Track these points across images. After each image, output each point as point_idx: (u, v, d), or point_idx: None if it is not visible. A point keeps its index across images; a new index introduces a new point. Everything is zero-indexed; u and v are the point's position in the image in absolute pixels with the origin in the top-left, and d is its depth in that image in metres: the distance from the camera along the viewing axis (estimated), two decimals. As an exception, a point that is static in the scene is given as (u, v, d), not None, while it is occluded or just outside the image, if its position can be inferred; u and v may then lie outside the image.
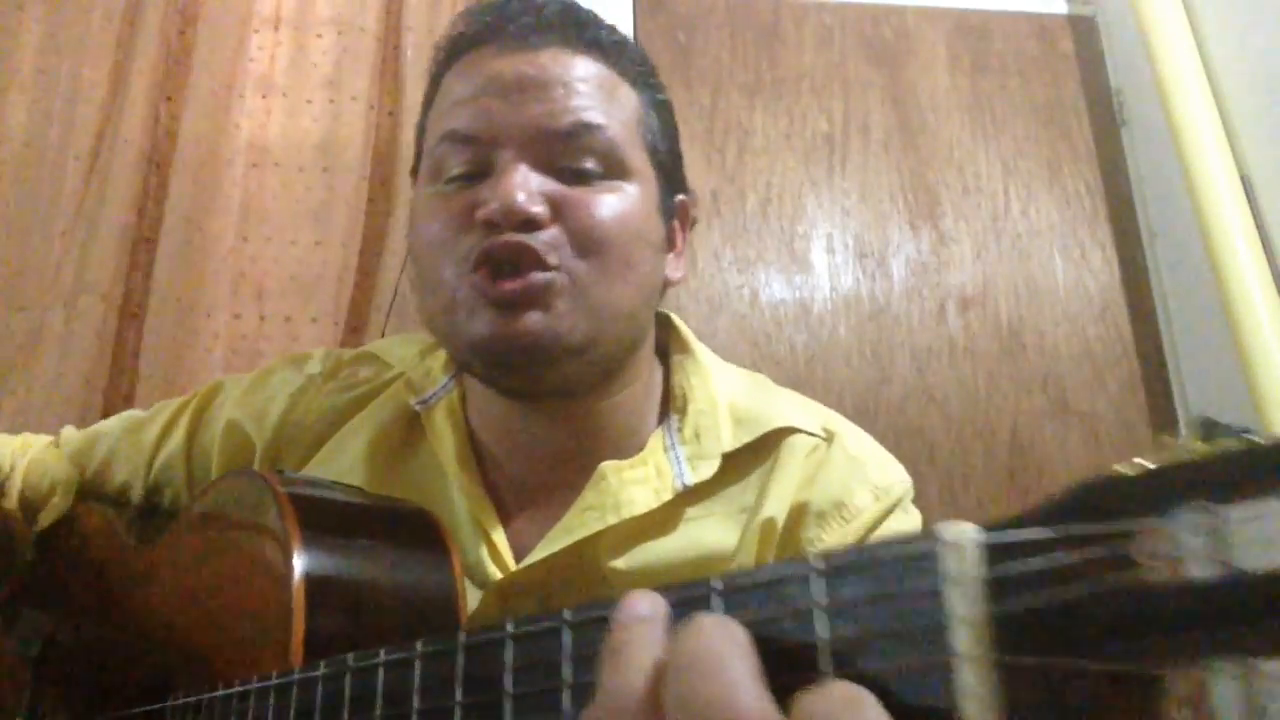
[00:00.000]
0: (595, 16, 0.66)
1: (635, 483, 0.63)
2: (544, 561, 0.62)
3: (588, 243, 0.59)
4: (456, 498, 0.65)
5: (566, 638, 0.33)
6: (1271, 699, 0.21)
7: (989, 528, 0.25)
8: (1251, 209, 1.59)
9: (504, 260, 0.58)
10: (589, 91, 0.61)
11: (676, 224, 0.69)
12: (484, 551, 0.63)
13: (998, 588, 0.24)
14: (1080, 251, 1.87)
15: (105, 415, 1.46)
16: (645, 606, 0.29)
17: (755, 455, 0.66)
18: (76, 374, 1.45)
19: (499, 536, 0.64)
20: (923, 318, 1.80)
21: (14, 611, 0.75)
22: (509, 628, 0.35)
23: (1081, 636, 0.23)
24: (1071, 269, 1.85)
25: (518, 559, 0.63)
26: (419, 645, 0.39)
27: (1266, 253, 1.55)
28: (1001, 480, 1.70)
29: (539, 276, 0.58)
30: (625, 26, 1.87)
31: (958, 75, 1.96)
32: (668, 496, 0.63)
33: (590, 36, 0.63)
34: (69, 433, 0.81)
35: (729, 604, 0.29)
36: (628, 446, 0.66)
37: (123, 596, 0.67)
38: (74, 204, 1.57)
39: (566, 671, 0.32)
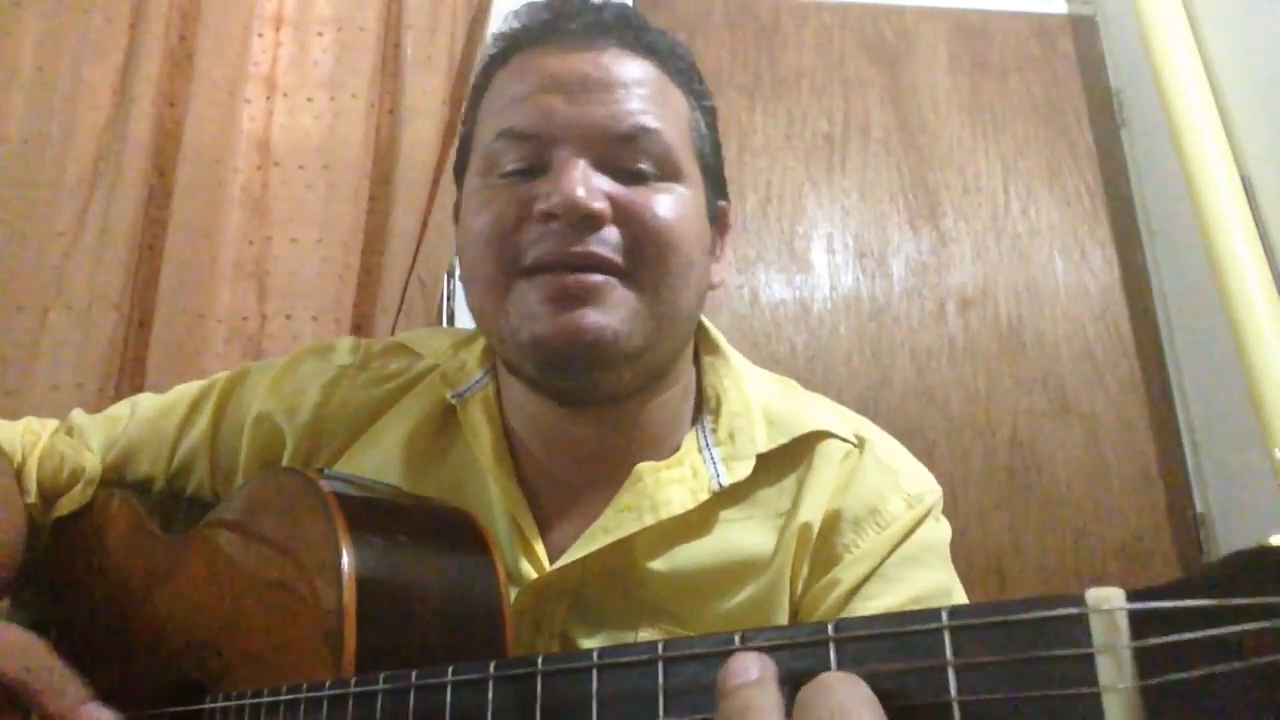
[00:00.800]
0: (647, 21, 0.66)
1: (672, 483, 0.63)
2: (580, 561, 0.61)
3: (649, 245, 0.58)
4: (493, 495, 0.65)
5: (659, 673, 0.32)
6: None
7: (1137, 595, 0.24)
8: (1251, 209, 1.59)
9: (568, 263, 0.57)
10: (647, 95, 0.61)
11: (716, 229, 0.69)
12: (519, 551, 0.63)
13: (1148, 659, 0.23)
14: (1080, 251, 1.87)
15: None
16: (755, 670, 0.29)
17: (789, 458, 0.66)
18: (89, 380, 1.45)
19: (535, 536, 0.63)
20: (923, 318, 1.80)
21: (24, 596, 0.74)
22: (595, 658, 0.34)
23: (1234, 712, 0.22)
24: (1071, 269, 1.85)
25: (553, 559, 0.63)
26: (492, 667, 0.37)
27: (1266, 253, 1.56)
28: (1001, 480, 1.70)
29: (601, 278, 0.57)
30: (625, 26, 1.87)
31: (958, 75, 1.96)
32: (704, 497, 0.63)
33: (647, 40, 0.64)
34: (79, 418, 0.78)
35: (841, 656, 0.28)
36: (663, 447, 0.66)
37: (146, 587, 0.65)
38: (74, 204, 1.57)
39: (660, 705, 0.31)
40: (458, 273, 0.70)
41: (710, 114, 0.68)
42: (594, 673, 0.33)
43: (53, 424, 0.78)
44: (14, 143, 1.60)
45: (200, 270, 1.58)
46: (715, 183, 0.68)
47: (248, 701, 0.49)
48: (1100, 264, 1.87)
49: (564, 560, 0.61)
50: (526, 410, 0.66)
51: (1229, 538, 1.68)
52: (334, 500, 0.52)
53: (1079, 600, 0.25)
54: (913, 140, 1.91)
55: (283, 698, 0.47)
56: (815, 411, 0.68)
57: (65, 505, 0.72)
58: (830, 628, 0.28)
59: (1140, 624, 0.23)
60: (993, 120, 1.94)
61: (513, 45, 0.65)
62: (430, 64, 1.71)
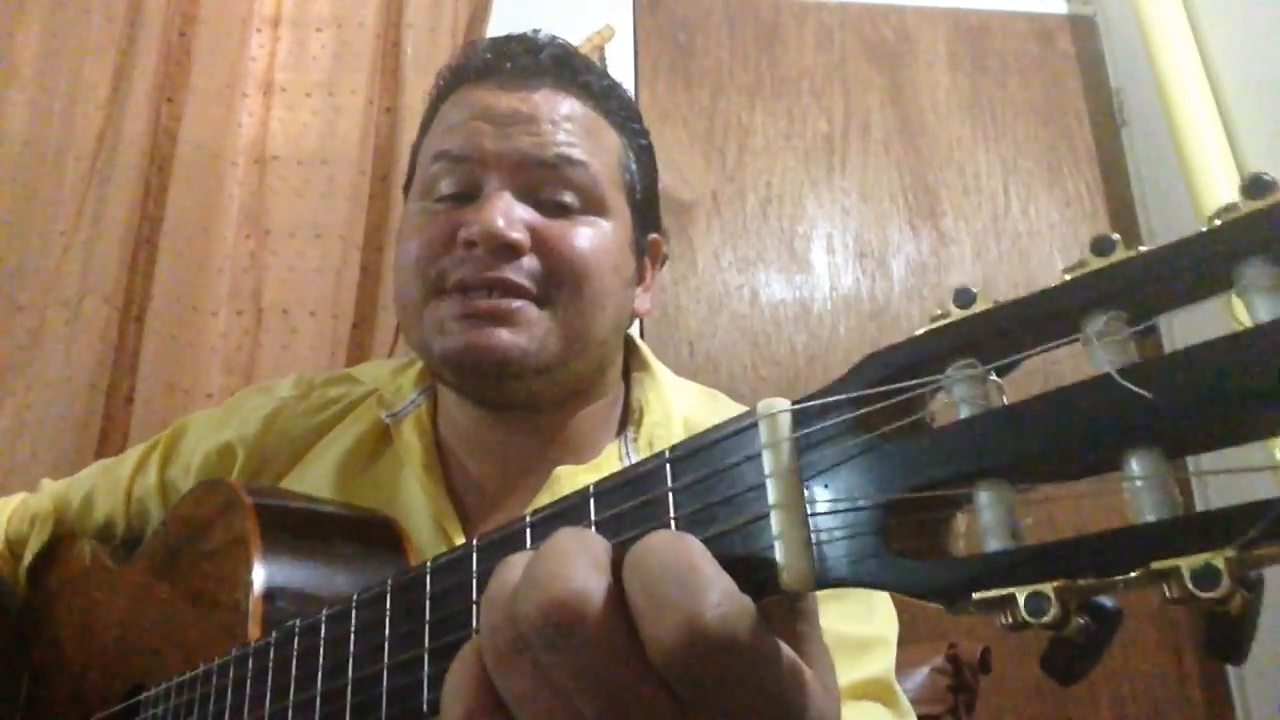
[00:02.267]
0: (589, 62, 0.71)
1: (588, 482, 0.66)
2: None
3: (563, 273, 0.62)
4: (420, 501, 0.67)
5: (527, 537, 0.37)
6: (1024, 520, 0.26)
7: (798, 400, 0.30)
8: (1251, 209, 1.59)
9: (484, 286, 0.61)
10: (574, 130, 0.66)
11: (648, 260, 0.73)
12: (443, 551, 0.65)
13: (805, 446, 0.29)
14: (1080, 251, 1.87)
15: (107, 415, 1.47)
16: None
17: None
18: (80, 375, 1.45)
19: (459, 539, 0.65)
20: (923, 318, 1.78)
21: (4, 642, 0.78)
22: (428, 565, 0.39)
23: (874, 476, 0.28)
24: (1071, 269, 1.85)
25: None
26: (355, 596, 0.43)
27: (1266, 253, 1.55)
28: (1001, 480, 1.70)
29: (513, 303, 0.61)
30: (625, 27, 1.87)
31: (958, 75, 1.96)
32: None
33: (581, 81, 0.68)
34: (46, 483, 0.84)
35: (599, 504, 0.34)
36: (586, 456, 0.69)
37: (102, 611, 0.70)
38: (74, 204, 1.57)
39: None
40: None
41: (645, 152, 0.72)
42: (473, 556, 0.37)
43: (21, 495, 0.84)
44: (14, 142, 1.61)
45: (196, 266, 1.59)
46: (645, 217, 0.72)
47: (169, 685, 0.55)
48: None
49: None
50: (459, 420, 0.70)
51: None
52: (250, 506, 0.57)
53: (753, 411, 0.31)
54: (913, 140, 1.91)
55: (197, 672, 0.52)
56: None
57: (29, 552, 0.78)
58: (592, 486, 0.34)
59: (801, 421, 0.30)
60: (993, 120, 1.94)
61: (457, 80, 0.70)
62: (430, 62, 1.71)
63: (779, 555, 0.28)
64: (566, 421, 0.68)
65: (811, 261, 1.82)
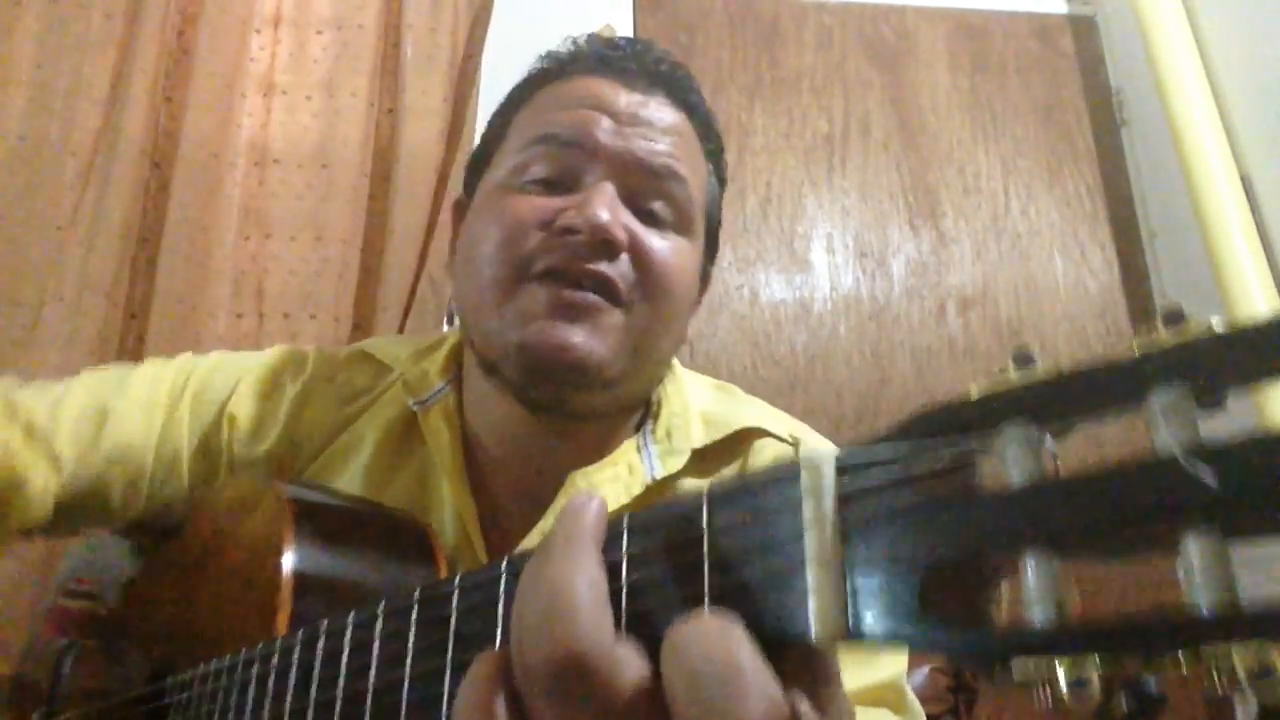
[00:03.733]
0: (695, 84, 0.70)
1: (605, 482, 0.65)
2: None
3: (652, 284, 0.61)
4: (445, 495, 0.67)
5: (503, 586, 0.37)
6: (1071, 593, 0.25)
7: (844, 450, 0.30)
8: (1251, 209, 1.59)
9: (577, 276, 0.59)
10: (681, 146, 0.65)
11: (703, 281, 0.73)
12: (463, 555, 0.65)
13: (847, 498, 0.29)
14: (1080, 251, 1.87)
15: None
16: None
17: (724, 455, 0.68)
18: (79, 371, 1.45)
19: (478, 539, 0.65)
20: (923, 318, 1.80)
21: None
22: (503, 566, 0.38)
23: (917, 536, 0.27)
24: (1071, 269, 1.85)
25: None
26: (381, 605, 0.43)
27: (1266, 253, 1.56)
28: (1001, 480, 1.70)
29: (600, 300, 0.59)
30: (625, 27, 1.87)
31: (958, 75, 1.96)
32: (638, 491, 0.65)
33: (691, 101, 0.68)
34: (37, 415, 0.71)
35: (632, 537, 0.33)
36: (605, 453, 0.68)
37: (140, 594, 0.70)
38: (71, 201, 1.57)
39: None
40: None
41: (723, 186, 0.72)
42: (502, 576, 0.37)
43: None
44: (13, 140, 1.61)
45: (196, 265, 1.59)
46: (711, 246, 0.72)
47: (193, 674, 0.55)
48: (1100, 264, 1.87)
49: None
50: (491, 414, 0.68)
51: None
52: (289, 504, 0.56)
53: (796, 456, 0.30)
54: (913, 140, 1.91)
55: (224, 664, 0.52)
56: (751, 412, 0.72)
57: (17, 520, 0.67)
58: (629, 518, 0.34)
59: (846, 471, 0.29)
60: (993, 120, 1.94)
61: (566, 67, 0.68)
62: (430, 63, 1.71)
63: (812, 608, 0.28)
64: (604, 431, 0.67)
65: (811, 261, 1.82)
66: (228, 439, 0.72)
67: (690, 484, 0.67)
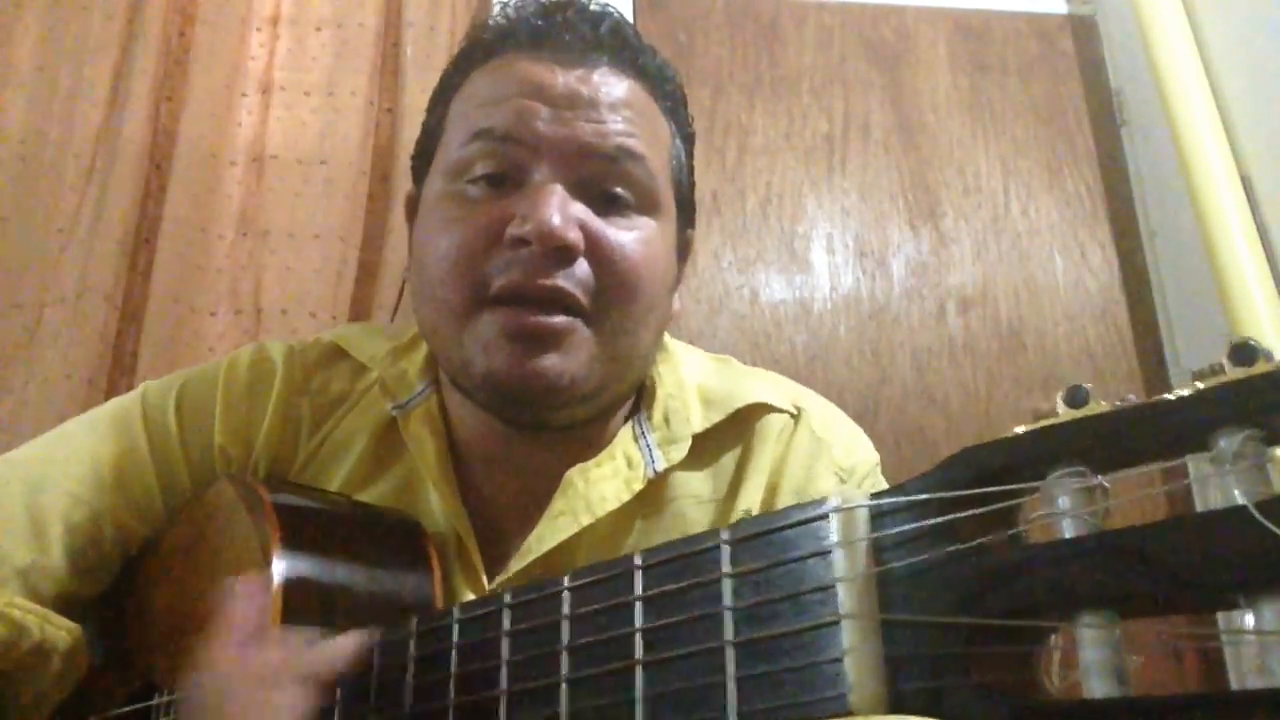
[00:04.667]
0: (641, 40, 0.64)
1: (604, 479, 0.62)
2: (518, 576, 0.59)
3: (616, 287, 0.57)
4: (434, 505, 0.63)
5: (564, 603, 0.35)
6: (1130, 659, 0.22)
7: (878, 494, 0.27)
8: (1251, 209, 1.59)
9: (535, 300, 0.55)
10: (633, 118, 0.60)
11: (680, 259, 0.68)
12: (459, 567, 0.61)
13: (883, 549, 0.26)
14: (1080, 251, 1.87)
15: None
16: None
17: (727, 436, 0.65)
18: (79, 373, 1.45)
19: (474, 551, 0.62)
20: (923, 318, 1.80)
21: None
22: (507, 599, 0.37)
23: (961, 593, 0.24)
24: (1071, 269, 1.85)
25: (494, 573, 0.61)
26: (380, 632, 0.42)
27: (1266, 253, 1.55)
28: (1001, 480, 1.70)
29: (565, 320, 0.56)
30: (625, 26, 1.87)
31: (958, 75, 1.96)
32: (639, 486, 0.62)
33: (640, 61, 0.62)
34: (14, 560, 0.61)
35: (646, 578, 0.31)
36: (600, 447, 0.65)
37: (125, 603, 0.68)
38: (72, 202, 1.57)
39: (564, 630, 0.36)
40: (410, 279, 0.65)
41: (690, 142, 0.67)
42: (504, 612, 0.36)
43: None
44: (13, 142, 1.60)
45: (194, 266, 1.58)
46: (687, 209, 0.67)
47: (181, 695, 0.53)
48: (1100, 264, 1.86)
49: (501, 577, 0.60)
50: (473, 427, 0.65)
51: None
52: (271, 507, 0.54)
53: (824, 501, 0.28)
54: (913, 140, 1.91)
55: None
56: (751, 386, 0.67)
57: (56, 691, 0.61)
58: (638, 557, 0.32)
59: (880, 519, 0.26)
60: (993, 120, 1.93)
61: (497, 44, 0.62)
62: (430, 62, 1.71)
63: (849, 672, 0.25)
64: (592, 430, 0.64)
65: (811, 261, 1.82)
66: (222, 469, 0.67)
67: (694, 476, 0.64)
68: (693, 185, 0.68)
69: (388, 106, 1.73)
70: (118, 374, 1.50)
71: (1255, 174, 1.63)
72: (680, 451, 0.63)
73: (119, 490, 0.65)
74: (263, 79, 1.72)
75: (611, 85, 0.60)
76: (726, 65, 1.92)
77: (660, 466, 0.62)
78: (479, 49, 0.63)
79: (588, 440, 0.64)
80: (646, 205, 0.60)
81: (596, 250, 0.57)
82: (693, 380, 0.67)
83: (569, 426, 0.62)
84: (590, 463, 0.62)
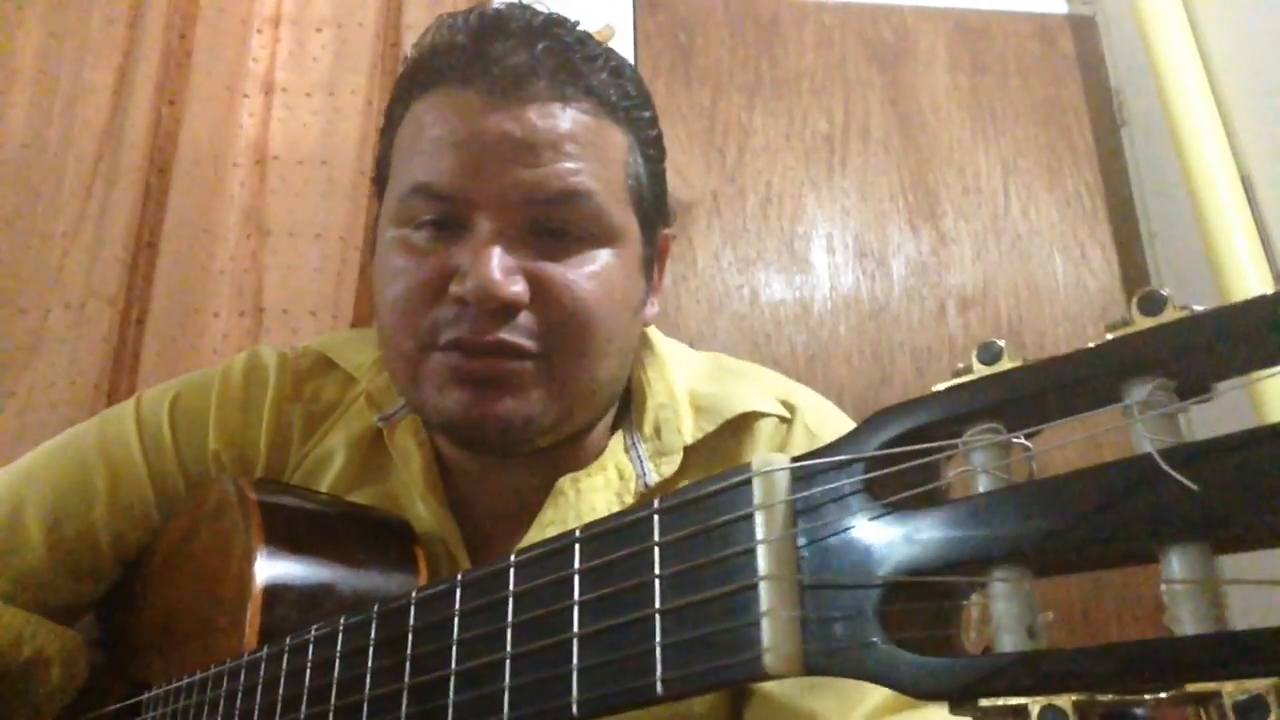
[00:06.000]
0: (585, 48, 0.60)
1: (595, 490, 0.62)
2: None
3: (565, 327, 0.57)
4: (422, 515, 0.64)
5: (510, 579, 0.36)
6: (1043, 615, 0.22)
7: (798, 456, 0.27)
8: (1251, 209, 1.59)
9: (482, 349, 0.56)
10: (577, 151, 0.57)
11: (657, 263, 0.67)
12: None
13: (802, 512, 0.26)
14: (1080, 251, 1.87)
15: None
16: None
17: (718, 443, 0.65)
18: (84, 377, 1.45)
19: (463, 563, 0.62)
20: (923, 318, 1.80)
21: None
22: (458, 578, 0.37)
23: (878, 552, 0.24)
24: (1071, 269, 1.85)
25: None
26: (342, 620, 0.42)
27: (1266, 253, 1.56)
28: (1001, 480, 1.70)
29: (513, 364, 0.56)
30: (625, 27, 1.87)
31: (958, 75, 1.96)
32: (630, 499, 0.62)
33: (584, 79, 0.58)
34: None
35: (584, 550, 0.32)
36: (591, 456, 0.65)
37: (115, 602, 0.69)
38: (75, 206, 1.57)
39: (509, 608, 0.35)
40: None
41: (653, 144, 0.64)
42: (457, 592, 0.36)
43: None
44: (15, 145, 1.60)
45: (197, 267, 1.59)
46: (654, 221, 0.64)
47: (170, 688, 0.54)
48: (1100, 264, 1.86)
49: None
50: (453, 448, 0.65)
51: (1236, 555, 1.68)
52: (255, 506, 0.55)
53: (748, 466, 0.28)
54: (913, 140, 1.91)
55: (195, 678, 0.52)
56: (741, 391, 0.66)
57: (61, 699, 0.62)
58: (580, 530, 0.32)
59: (801, 482, 0.27)
60: (993, 120, 1.94)
61: (432, 75, 0.60)
62: (430, 64, 1.71)
63: (765, 634, 0.25)
64: (574, 444, 0.64)
65: (811, 261, 1.82)
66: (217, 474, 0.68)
67: (684, 480, 0.63)
68: (660, 192, 0.65)
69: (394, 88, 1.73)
70: (121, 376, 1.51)
71: (1255, 174, 1.63)
72: (672, 465, 0.63)
73: (112, 499, 0.66)
74: (264, 80, 1.72)
75: (550, 119, 0.57)
76: (726, 65, 1.92)
77: (652, 480, 0.63)
78: (417, 78, 0.61)
79: (571, 453, 0.64)
80: (598, 238, 0.59)
81: (544, 294, 0.56)
82: (683, 386, 0.67)
83: (539, 452, 0.61)
84: (581, 472, 0.62)
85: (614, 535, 0.31)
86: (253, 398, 0.68)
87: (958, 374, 0.25)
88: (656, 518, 0.30)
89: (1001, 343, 0.25)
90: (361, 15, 1.75)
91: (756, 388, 0.68)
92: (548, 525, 0.61)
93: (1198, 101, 1.66)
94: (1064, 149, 1.93)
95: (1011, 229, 1.87)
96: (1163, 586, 0.21)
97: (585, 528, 0.32)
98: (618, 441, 0.65)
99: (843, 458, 0.26)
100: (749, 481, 0.28)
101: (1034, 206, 1.89)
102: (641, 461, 0.63)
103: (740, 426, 0.65)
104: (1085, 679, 0.21)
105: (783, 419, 0.66)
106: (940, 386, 0.25)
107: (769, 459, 0.28)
